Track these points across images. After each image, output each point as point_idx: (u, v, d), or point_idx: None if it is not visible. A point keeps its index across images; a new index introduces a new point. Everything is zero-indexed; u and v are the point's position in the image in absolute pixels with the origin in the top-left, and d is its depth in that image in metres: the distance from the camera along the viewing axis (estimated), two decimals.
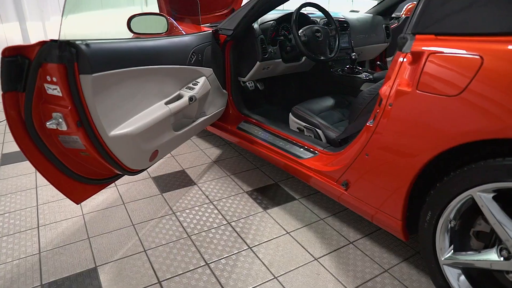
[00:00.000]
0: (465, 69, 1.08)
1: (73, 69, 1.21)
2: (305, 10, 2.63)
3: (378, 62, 2.52)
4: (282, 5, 2.21)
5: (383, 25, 2.96)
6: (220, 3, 3.16)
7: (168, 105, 1.68)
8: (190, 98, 1.79)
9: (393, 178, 1.36)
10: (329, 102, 2.27)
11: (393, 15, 3.16)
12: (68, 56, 1.18)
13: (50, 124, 1.27)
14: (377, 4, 3.00)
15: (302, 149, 1.94)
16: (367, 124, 1.45)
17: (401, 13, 3.32)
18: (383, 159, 1.38)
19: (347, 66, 2.53)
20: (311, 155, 1.88)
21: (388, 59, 3.27)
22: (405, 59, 1.28)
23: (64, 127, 1.30)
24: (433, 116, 1.17)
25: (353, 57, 2.38)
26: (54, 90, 1.23)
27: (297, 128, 2.15)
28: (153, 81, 1.62)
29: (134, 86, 1.49)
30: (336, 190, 1.66)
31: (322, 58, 2.21)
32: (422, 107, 1.19)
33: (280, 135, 2.11)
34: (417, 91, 1.20)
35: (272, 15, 2.37)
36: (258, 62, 2.21)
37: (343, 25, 2.64)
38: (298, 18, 2.19)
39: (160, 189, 2.18)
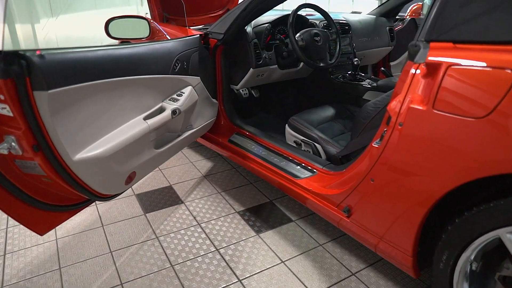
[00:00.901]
0: (494, 85, 0.89)
1: (24, 85, 1.02)
2: (303, 12, 2.44)
3: (382, 68, 2.33)
4: (279, 5, 2.03)
5: (387, 28, 2.76)
6: (215, 4, 2.97)
7: (147, 120, 1.49)
8: (174, 111, 1.60)
9: (403, 209, 1.16)
10: (329, 112, 2.08)
11: (397, 17, 2.96)
12: (17, 70, 0.99)
13: (1, 149, 1.08)
14: (380, 5, 2.81)
15: (299, 166, 1.75)
16: (372, 145, 1.25)
17: (406, 14, 3.12)
18: (391, 186, 1.19)
19: (349, 73, 2.34)
20: (309, 174, 1.69)
21: (392, 63, 3.07)
22: (418, 71, 1.08)
23: (18, 151, 1.11)
24: (454, 141, 0.97)
25: (356, 62, 2.19)
26: (3, 109, 1.04)
27: (294, 141, 1.96)
28: (129, 94, 1.43)
29: (105, 101, 1.30)
30: (336, 215, 1.47)
31: (321, 64, 2.02)
32: (440, 129, 1.00)
33: (275, 149, 1.92)
34: (434, 111, 1.01)
35: (267, 17, 2.18)
36: (251, 69, 2.02)
37: (344, 28, 2.44)
38: (296, 21, 2.00)
39: (144, 209, 1.99)
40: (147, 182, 2.25)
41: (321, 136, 1.84)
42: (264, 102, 2.67)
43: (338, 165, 1.70)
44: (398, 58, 3.05)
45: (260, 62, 2.03)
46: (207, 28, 2.16)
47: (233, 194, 2.13)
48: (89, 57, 1.21)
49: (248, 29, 2.03)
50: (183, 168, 2.44)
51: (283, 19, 2.15)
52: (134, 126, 1.44)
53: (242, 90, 2.39)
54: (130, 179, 1.48)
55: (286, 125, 2.01)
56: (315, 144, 1.84)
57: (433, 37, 1.06)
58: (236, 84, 2.15)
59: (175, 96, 1.68)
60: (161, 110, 1.61)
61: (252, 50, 1.99)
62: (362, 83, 2.22)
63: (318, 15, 2.26)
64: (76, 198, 1.44)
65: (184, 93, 1.72)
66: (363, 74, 2.36)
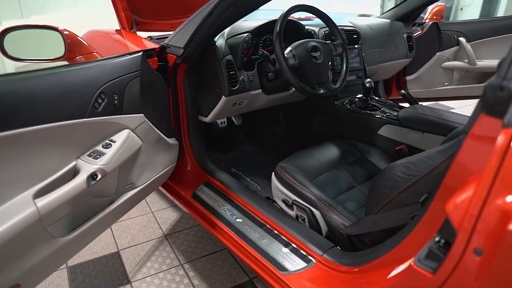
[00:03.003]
0: None
1: None
2: (298, 15, 1.86)
3: (403, 92, 1.74)
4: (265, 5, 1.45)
5: (405, 35, 2.18)
6: (198, 2, 2.37)
7: (38, 200, 0.91)
8: (92, 176, 1.03)
9: None
10: (331, 153, 1.51)
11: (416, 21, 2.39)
12: None
13: None
14: (396, 5, 2.23)
15: (287, 249, 1.18)
16: (419, 269, 0.68)
17: (425, 17, 2.54)
18: None
19: (359, 97, 1.76)
20: (302, 264, 1.12)
21: (408, 78, 2.49)
22: None
23: None
24: None
25: (368, 85, 1.60)
26: None
27: (283, 200, 1.38)
28: (9, 159, 0.87)
29: None
30: None
31: (321, 91, 1.44)
32: None
33: (255, 215, 1.34)
34: None
35: (248, 23, 1.61)
36: (223, 97, 1.44)
37: (351, 37, 1.86)
38: (286, 29, 1.43)
39: None
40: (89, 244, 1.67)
41: (321, 197, 1.26)
42: (249, 131, 2.10)
43: (347, 248, 1.14)
44: (415, 71, 2.47)
45: (236, 87, 1.45)
46: (162, 39, 1.58)
47: (200, 268, 1.55)
48: None
49: (220, 41, 1.45)
50: (140, 221, 1.86)
51: (269, 26, 1.56)
52: (12, 212, 0.87)
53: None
54: None
55: (273, 174, 1.43)
56: (312, 209, 1.26)
57: None
58: (205, 115, 1.57)
59: (99, 148, 1.11)
60: (74, 173, 1.04)
61: (224, 70, 1.41)
62: (376, 112, 1.64)
63: (317, 20, 1.68)
64: None
65: (114, 142, 1.14)
66: (377, 98, 1.78)
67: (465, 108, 3.42)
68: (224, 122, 1.94)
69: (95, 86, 1.07)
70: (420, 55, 2.34)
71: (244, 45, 1.46)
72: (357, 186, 1.41)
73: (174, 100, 1.53)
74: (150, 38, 1.97)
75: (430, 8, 2.50)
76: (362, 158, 1.55)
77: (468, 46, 2.35)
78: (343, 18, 2.02)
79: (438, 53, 2.42)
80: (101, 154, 1.09)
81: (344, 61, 1.54)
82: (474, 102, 3.42)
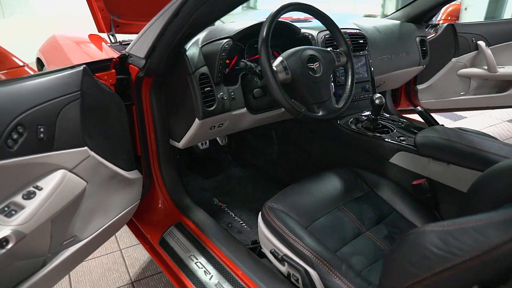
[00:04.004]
0: None
1: None
2: (291, 15, 1.58)
3: (420, 109, 1.44)
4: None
5: (417, 38, 1.88)
6: None
7: None
8: None
9: None
10: (331, 187, 1.22)
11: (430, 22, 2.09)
12: None
13: None
14: (407, 4, 1.93)
15: None
16: None
17: (439, 18, 2.24)
18: None
19: (366, 114, 1.46)
20: None
21: (419, 87, 2.20)
22: None
23: None
24: None
25: (378, 101, 1.30)
26: None
27: (272, 252, 1.08)
28: None
29: None
30: None
31: (321, 113, 1.13)
32: None
33: (236, 275, 1.05)
34: None
35: (233, 25, 1.31)
36: (197, 121, 1.15)
37: (357, 42, 1.56)
38: (278, 32, 1.13)
39: None
40: None
41: (319, 253, 0.96)
42: (237, 151, 1.80)
43: None
44: (427, 79, 2.18)
45: (213, 107, 1.15)
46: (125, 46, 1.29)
47: None
48: None
49: (192, 49, 1.15)
50: (105, 262, 1.56)
51: (254, 31, 1.25)
52: None
53: None
54: None
55: (259, 216, 1.14)
56: (307, 269, 0.96)
57: None
58: (177, 140, 1.27)
59: (17, 199, 0.81)
60: None
61: (197, 87, 1.11)
62: (388, 135, 1.34)
63: (315, 22, 1.39)
64: None
65: (41, 188, 0.84)
66: (387, 116, 1.48)
67: (478, 117, 3.12)
68: (205, 142, 1.64)
69: (6, 117, 0.77)
70: (433, 61, 2.04)
71: (223, 54, 1.15)
72: (364, 232, 1.11)
73: (139, 121, 1.24)
74: (120, 43, 1.68)
75: (444, 7, 2.20)
76: (371, 193, 1.25)
77: (488, 50, 2.06)
78: (346, 19, 1.72)
79: (453, 59, 2.13)
80: (18, 208, 0.80)
81: (350, 73, 1.24)
82: (488, 110, 3.11)
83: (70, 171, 0.91)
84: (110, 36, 1.77)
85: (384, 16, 2.39)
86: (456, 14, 2.20)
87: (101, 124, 1.02)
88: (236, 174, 1.77)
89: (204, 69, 1.14)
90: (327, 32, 1.44)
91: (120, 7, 1.80)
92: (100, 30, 1.78)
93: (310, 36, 1.41)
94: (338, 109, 1.17)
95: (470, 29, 2.10)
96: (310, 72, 1.12)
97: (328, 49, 1.24)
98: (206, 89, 1.12)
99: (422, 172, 1.22)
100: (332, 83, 1.46)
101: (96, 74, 1.11)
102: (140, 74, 1.16)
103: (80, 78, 0.92)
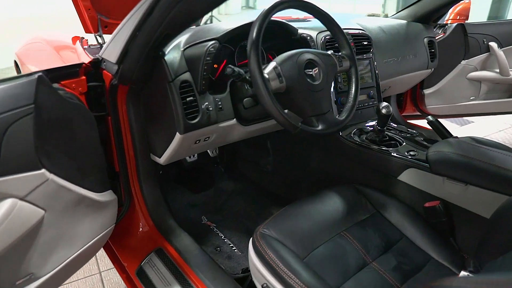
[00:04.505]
0: None
1: None
2: (290, 14, 1.44)
3: (431, 118, 1.28)
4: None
5: (425, 39, 1.74)
6: None
7: None
8: None
9: None
10: (332, 208, 1.08)
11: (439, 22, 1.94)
12: None
13: None
14: (414, 3, 1.78)
15: None
16: None
17: (447, 18, 2.09)
18: None
19: (370, 125, 1.32)
20: None
21: (426, 91, 2.05)
22: None
23: None
24: None
25: (384, 111, 1.15)
26: None
27: (264, 287, 0.93)
28: None
29: None
30: None
31: (320, 127, 0.98)
32: None
33: None
34: None
35: (220, 25, 1.16)
36: (177, 135, 1.00)
37: (361, 44, 1.41)
38: (272, 33, 0.99)
39: None
40: None
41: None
42: (228, 162, 1.65)
43: None
44: (435, 83, 2.03)
45: (197, 119, 1.00)
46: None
47: None
48: None
49: (173, 53, 1.00)
50: (83, 286, 1.41)
51: (246, 30, 1.09)
52: None
53: None
54: None
55: (250, 243, 0.99)
56: None
57: None
58: (157, 155, 1.13)
59: None
60: None
61: (177, 97, 0.96)
62: (396, 149, 1.19)
63: (314, 21, 1.23)
64: None
65: None
66: (394, 126, 1.33)
67: (486, 121, 2.97)
68: (193, 155, 1.50)
69: None
70: (441, 64, 1.89)
71: (208, 58, 1.00)
72: (370, 263, 0.97)
73: (116, 133, 1.10)
74: (101, 45, 1.53)
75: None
76: (377, 215, 1.11)
77: (500, 52, 1.91)
78: (349, 19, 1.57)
79: (463, 62, 1.98)
80: None
81: (353, 80, 1.09)
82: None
83: (21, 199, 0.76)
84: (98, 37, 1.63)
85: (385, 16, 2.24)
86: (465, 13, 2.04)
87: (64, 141, 0.87)
88: (228, 187, 1.62)
89: (186, 76, 0.99)
90: (328, 32, 1.29)
91: (108, 6, 1.64)
92: (87, 31, 1.64)
93: (308, 38, 1.25)
94: (340, 122, 1.02)
95: (481, 29, 1.96)
96: (308, 80, 0.97)
97: (329, 52, 1.08)
98: (188, 98, 0.97)
99: (436, 192, 1.07)
100: (333, 90, 1.31)
101: (62, 82, 0.97)
102: (113, 81, 1.02)
103: (33, 88, 0.78)
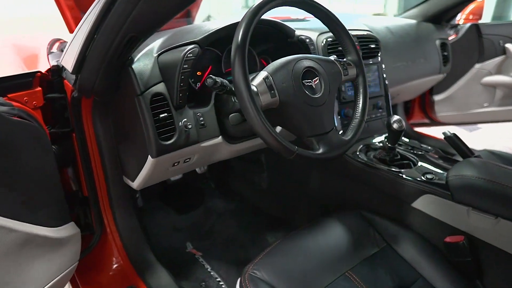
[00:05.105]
0: None
1: None
2: (289, 14, 1.27)
3: (449, 133, 1.11)
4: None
5: (437, 41, 1.57)
6: None
7: None
8: None
9: None
10: (334, 242, 0.92)
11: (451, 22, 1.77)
12: None
13: None
14: (424, 1, 1.61)
15: None
16: None
17: (458, 18, 1.93)
18: None
19: (379, 141, 1.15)
20: None
21: (436, 97, 1.88)
22: None
23: None
24: None
25: (396, 126, 0.98)
26: None
27: None
28: None
29: None
30: None
31: (321, 150, 0.81)
32: None
33: None
34: None
35: (203, 25, 0.98)
36: (150, 159, 0.83)
37: (368, 47, 1.23)
38: (263, 35, 0.82)
39: None
40: None
41: None
42: (219, 178, 1.48)
43: None
44: (446, 89, 1.86)
45: (172, 139, 0.83)
46: None
47: None
48: None
49: (144, 60, 0.83)
50: None
51: (229, 35, 0.90)
52: None
53: None
54: None
55: (237, 286, 0.82)
56: None
57: None
58: (130, 178, 0.96)
59: None
60: None
61: (147, 114, 0.79)
62: (409, 170, 1.02)
63: (314, 21, 1.06)
64: None
65: None
66: (406, 141, 1.16)
67: (496, 126, 2.79)
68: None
69: None
70: (453, 68, 1.73)
71: (185, 66, 0.83)
72: None
73: (82, 152, 0.93)
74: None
75: None
76: (387, 250, 0.94)
77: None
78: (353, 19, 1.40)
79: (477, 65, 1.82)
80: None
81: (361, 90, 0.91)
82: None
83: None
84: None
85: None
86: (479, 12, 1.88)
87: (2, 171, 0.70)
88: (218, 207, 1.45)
89: (160, 88, 0.82)
90: (330, 34, 1.12)
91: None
92: (71, 32, 1.48)
93: (307, 40, 1.08)
94: (346, 143, 0.85)
95: (497, 30, 1.79)
96: (307, 92, 0.80)
97: (332, 57, 0.91)
98: (161, 115, 0.80)
99: (458, 225, 0.90)
100: (336, 99, 1.14)
101: (9, 95, 0.80)
102: (74, 93, 0.85)
103: None
